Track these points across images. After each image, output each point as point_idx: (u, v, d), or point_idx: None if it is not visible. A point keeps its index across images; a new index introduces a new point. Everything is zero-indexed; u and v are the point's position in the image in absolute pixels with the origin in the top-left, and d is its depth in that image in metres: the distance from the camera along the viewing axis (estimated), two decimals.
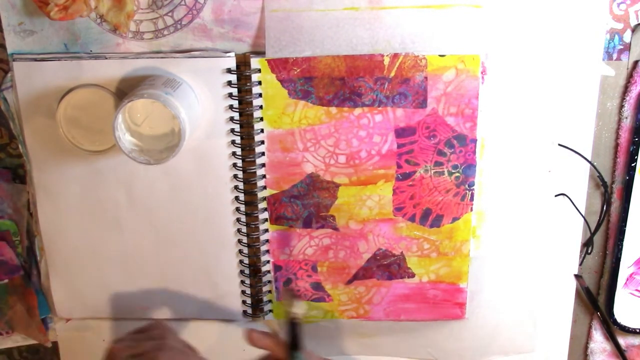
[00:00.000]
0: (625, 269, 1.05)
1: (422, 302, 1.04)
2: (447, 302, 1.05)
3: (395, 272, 1.04)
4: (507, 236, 1.02)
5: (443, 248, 1.02)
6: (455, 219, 1.00)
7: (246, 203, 1.00)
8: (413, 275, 1.04)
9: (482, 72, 0.94)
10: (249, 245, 1.03)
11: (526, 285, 1.05)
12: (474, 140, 0.96)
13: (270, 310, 1.07)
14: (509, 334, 1.06)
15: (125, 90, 0.94)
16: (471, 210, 1.00)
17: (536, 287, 1.04)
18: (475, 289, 1.04)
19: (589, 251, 1.05)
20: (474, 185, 0.99)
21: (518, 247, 1.02)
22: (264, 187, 1.00)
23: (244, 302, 1.06)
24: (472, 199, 0.99)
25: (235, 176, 0.99)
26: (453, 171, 0.98)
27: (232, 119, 0.96)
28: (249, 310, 1.07)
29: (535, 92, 0.95)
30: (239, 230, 1.01)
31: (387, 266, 1.04)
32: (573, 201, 1.01)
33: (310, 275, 1.04)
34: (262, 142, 0.98)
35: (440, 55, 0.93)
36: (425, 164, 0.98)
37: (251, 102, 0.96)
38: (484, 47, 0.93)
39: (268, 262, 1.04)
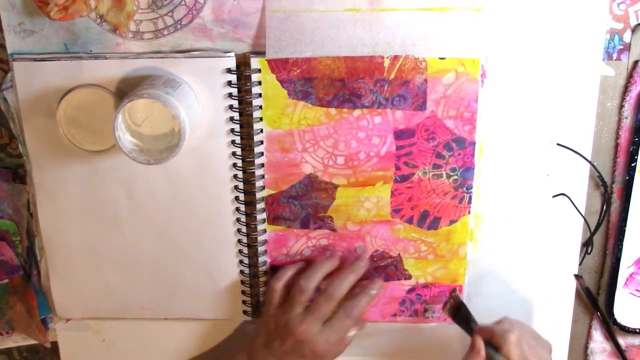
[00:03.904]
0: (625, 269, 1.05)
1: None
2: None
3: (392, 273, 1.04)
4: (505, 239, 1.02)
5: (440, 250, 1.02)
6: (452, 222, 1.01)
7: (245, 203, 1.00)
8: (410, 277, 1.04)
9: (481, 76, 0.94)
10: (249, 245, 1.03)
11: (524, 289, 1.05)
12: (473, 143, 0.96)
13: None
14: None
15: (125, 90, 0.94)
16: (469, 213, 1.00)
17: (535, 289, 1.05)
18: (472, 292, 1.05)
19: (589, 251, 1.05)
20: (472, 188, 0.99)
21: (516, 250, 1.03)
22: (263, 187, 1.00)
23: (244, 302, 1.06)
24: (470, 201, 0.99)
25: (235, 176, 0.99)
26: (451, 174, 0.98)
27: (232, 119, 0.96)
28: (249, 310, 1.07)
29: (535, 95, 0.95)
30: (238, 230, 1.02)
31: (384, 268, 1.04)
32: (573, 201, 1.01)
33: None
34: (261, 142, 0.98)
35: (440, 58, 0.93)
36: (423, 166, 0.98)
37: (251, 102, 0.95)
38: (484, 51, 0.93)
39: (266, 262, 1.04)
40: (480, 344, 0.93)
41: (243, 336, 1.09)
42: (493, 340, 0.93)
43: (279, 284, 1.01)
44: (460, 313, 1.01)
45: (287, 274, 1.02)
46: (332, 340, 0.96)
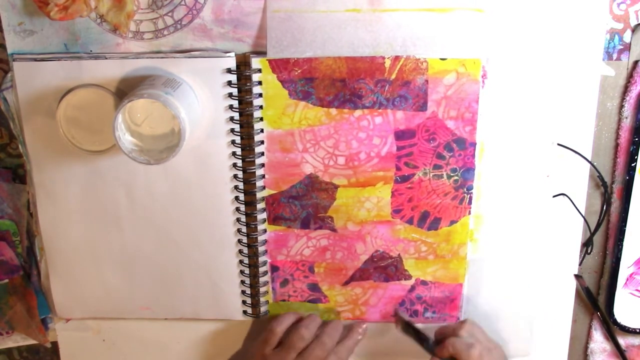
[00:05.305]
0: (625, 269, 1.05)
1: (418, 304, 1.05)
2: (443, 305, 1.06)
3: (392, 274, 1.04)
4: (505, 239, 1.02)
5: (440, 251, 1.02)
6: (453, 222, 1.01)
7: (246, 203, 1.00)
8: (410, 278, 1.04)
9: (482, 76, 0.94)
10: (249, 245, 1.03)
11: (523, 290, 1.05)
12: (473, 144, 0.97)
13: (267, 311, 1.07)
14: (505, 338, 1.06)
15: (125, 90, 0.94)
16: (469, 213, 1.00)
17: (535, 289, 1.04)
18: (472, 292, 1.05)
19: (589, 251, 1.05)
20: (472, 188, 0.99)
21: (516, 251, 1.03)
22: (263, 187, 1.00)
23: (243, 302, 1.06)
24: (470, 202, 0.99)
25: (235, 176, 0.99)
26: (452, 174, 0.98)
27: (232, 119, 0.96)
28: (249, 310, 1.07)
29: (535, 95, 0.95)
30: (238, 230, 1.02)
31: (384, 268, 1.04)
32: (573, 201, 1.01)
33: (307, 276, 1.05)
34: (262, 142, 0.97)
35: (441, 59, 0.93)
36: (424, 166, 0.98)
37: (251, 102, 0.95)
38: (485, 51, 0.93)
39: (266, 262, 1.04)
40: None
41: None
42: (456, 356, 0.95)
43: (281, 327, 1.03)
44: (409, 329, 1.03)
45: (289, 319, 1.04)
46: None
